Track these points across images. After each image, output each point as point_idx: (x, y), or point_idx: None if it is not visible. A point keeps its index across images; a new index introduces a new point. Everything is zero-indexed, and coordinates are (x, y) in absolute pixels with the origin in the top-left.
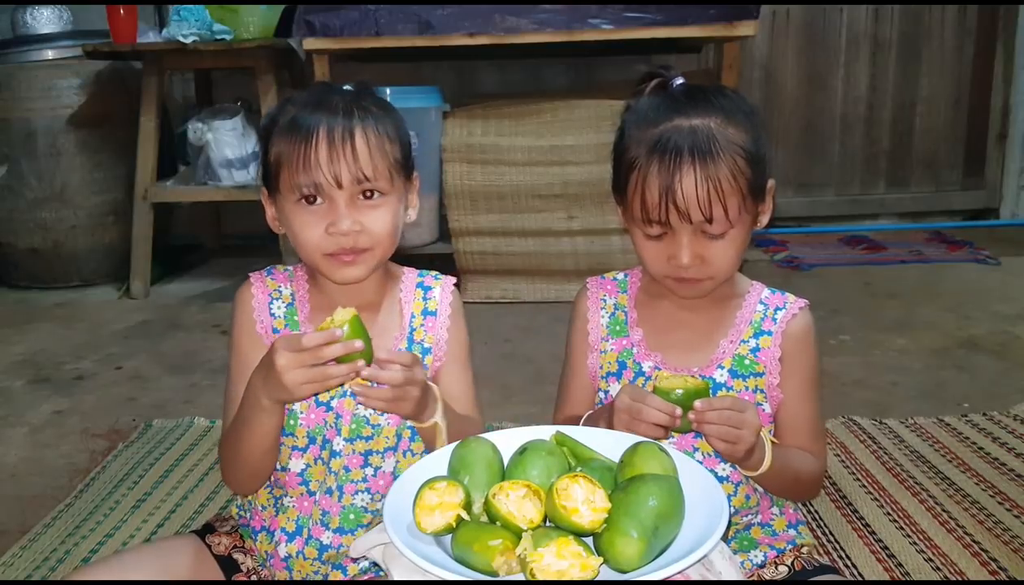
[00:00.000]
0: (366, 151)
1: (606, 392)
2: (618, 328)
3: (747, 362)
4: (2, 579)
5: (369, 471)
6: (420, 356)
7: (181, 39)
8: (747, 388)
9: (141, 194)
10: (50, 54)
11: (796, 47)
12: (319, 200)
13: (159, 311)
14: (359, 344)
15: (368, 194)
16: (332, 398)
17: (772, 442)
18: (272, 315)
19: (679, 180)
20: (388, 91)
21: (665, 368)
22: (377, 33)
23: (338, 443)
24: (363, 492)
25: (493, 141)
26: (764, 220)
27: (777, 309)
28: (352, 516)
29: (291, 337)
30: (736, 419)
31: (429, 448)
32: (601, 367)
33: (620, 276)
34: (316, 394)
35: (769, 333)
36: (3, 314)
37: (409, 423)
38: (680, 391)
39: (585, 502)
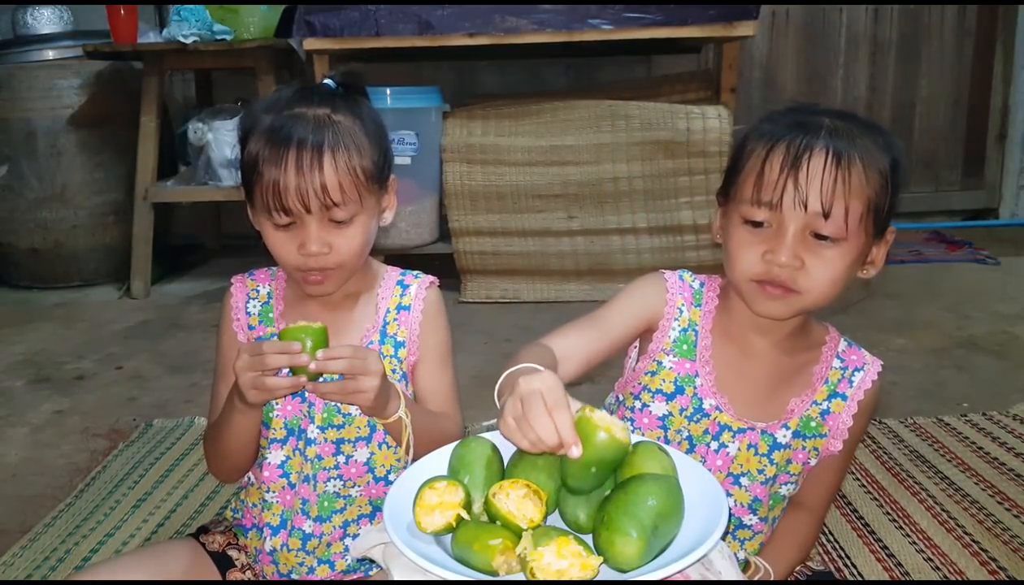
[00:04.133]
0: (335, 178)
1: (646, 406)
2: (685, 348)
3: (813, 424)
4: (2, 579)
5: (341, 459)
6: (377, 351)
7: (181, 39)
8: (804, 447)
9: (141, 194)
10: (50, 54)
11: (796, 47)
12: (290, 222)
13: (159, 311)
14: (305, 358)
15: (338, 216)
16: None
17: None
18: (248, 313)
19: (807, 159)
20: (388, 91)
21: (729, 414)
22: (377, 33)
23: (312, 431)
24: (335, 479)
25: (493, 141)
26: (871, 271)
27: (856, 370)
28: (326, 503)
29: (255, 344)
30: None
31: (398, 443)
32: (648, 374)
33: (696, 284)
34: (266, 402)
35: (843, 397)
36: (3, 314)
37: None
38: (600, 441)
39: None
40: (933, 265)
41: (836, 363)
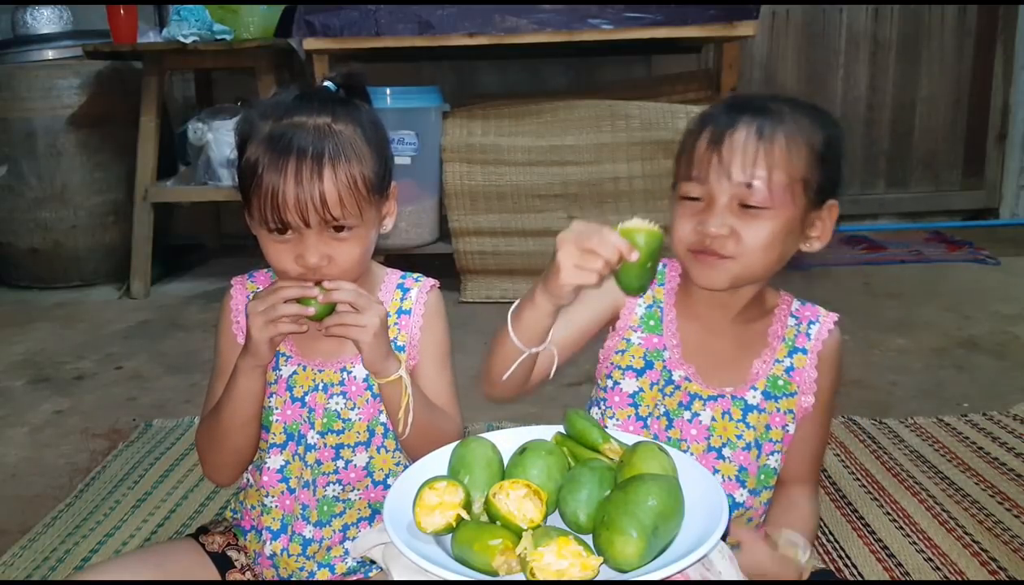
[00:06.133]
0: (335, 192)
1: (617, 383)
2: (652, 323)
3: (780, 383)
4: (2, 579)
5: (340, 463)
6: (380, 299)
7: (181, 39)
8: (779, 409)
9: (141, 194)
10: (50, 54)
11: (796, 47)
12: (288, 232)
13: (159, 311)
14: (315, 291)
15: (338, 228)
16: (306, 394)
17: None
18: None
19: (730, 134)
20: (388, 91)
21: (698, 382)
22: (377, 33)
23: (312, 437)
24: (334, 484)
25: (493, 141)
26: (815, 246)
27: (811, 323)
28: (326, 508)
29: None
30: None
31: (391, 412)
32: (618, 353)
33: (660, 266)
34: (273, 343)
35: (804, 351)
36: (3, 314)
37: (382, 419)
38: (641, 238)
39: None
40: (933, 265)
41: (791, 321)
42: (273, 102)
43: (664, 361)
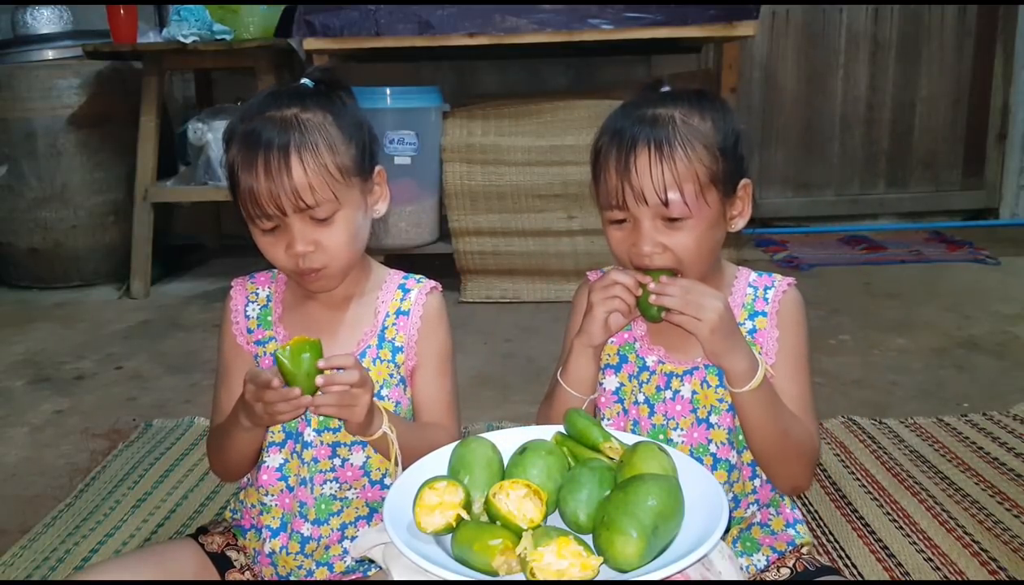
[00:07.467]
0: (304, 179)
1: (601, 384)
2: None
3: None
4: (2, 579)
5: (337, 462)
6: (364, 368)
7: (181, 39)
8: None
9: (141, 194)
10: (50, 54)
11: (796, 47)
12: (273, 224)
13: (159, 311)
14: (296, 392)
15: (316, 215)
16: None
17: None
18: (247, 317)
19: (634, 161)
20: (388, 91)
21: (671, 362)
22: (377, 33)
23: (308, 434)
24: (331, 482)
25: (493, 141)
26: (739, 223)
27: (767, 289)
28: (324, 506)
29: (258, 372)
30: (698, 291)
31: (385, 457)
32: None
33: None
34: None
35: (763, 314)
36: (3, 314)
37: None
38: (657, 272)
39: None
40: (933, 265)
41: (749, 291)
42: (249, 104)
43: (636, 351)
